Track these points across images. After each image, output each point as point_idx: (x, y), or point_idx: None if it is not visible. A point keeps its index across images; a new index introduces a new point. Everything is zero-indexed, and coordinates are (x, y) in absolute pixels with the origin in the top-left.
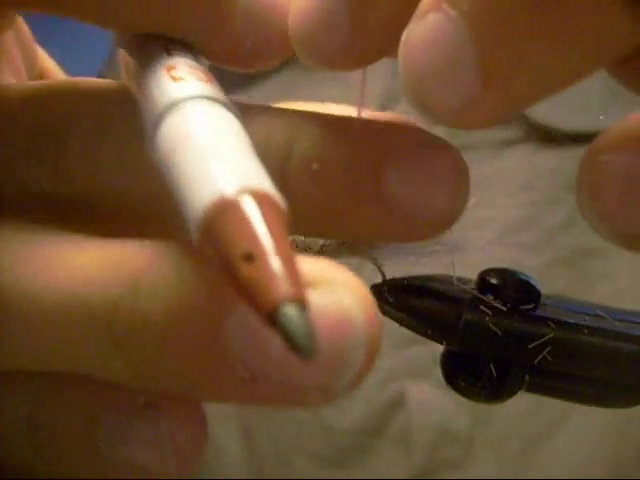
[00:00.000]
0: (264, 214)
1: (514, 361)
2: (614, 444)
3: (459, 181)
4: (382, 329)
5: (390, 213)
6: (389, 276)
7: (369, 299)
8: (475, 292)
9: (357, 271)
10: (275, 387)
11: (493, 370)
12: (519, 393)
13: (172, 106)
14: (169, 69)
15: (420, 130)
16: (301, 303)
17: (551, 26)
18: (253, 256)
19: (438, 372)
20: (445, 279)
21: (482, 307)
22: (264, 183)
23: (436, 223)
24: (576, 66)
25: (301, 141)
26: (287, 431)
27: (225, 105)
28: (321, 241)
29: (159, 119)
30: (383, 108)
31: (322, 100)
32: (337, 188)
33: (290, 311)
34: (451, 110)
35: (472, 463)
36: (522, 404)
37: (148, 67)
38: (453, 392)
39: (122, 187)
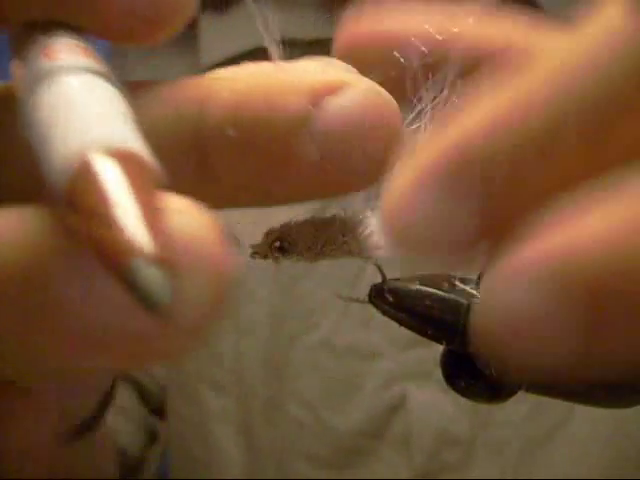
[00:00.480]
0: (123, 173)
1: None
2: (614, 447)
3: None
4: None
5: (318, 167)
6: (389, 276)
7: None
8: (475, 292)
9: (357, 271)
10: (118, 338)
11: (493, 370)
12: (519, 395)
13: (44, 77)
14: (45, 50)
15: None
16: (159, 261)
17: None
18: (106, 215)
19: (439, 374)
20: (445, 279)
21: None
22: (128, 143)
23: (367, 170)
24: None
25: (213, 107)
26: (287, 433)
27: (103, 76)
28: (321, 241)
29: (29, 91)
30: None
31: None
32: (257, 151)
33: (144, 269)
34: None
35: (472, 466)
36: (522, 408)
37: (26, 55)
38: (454, 395)
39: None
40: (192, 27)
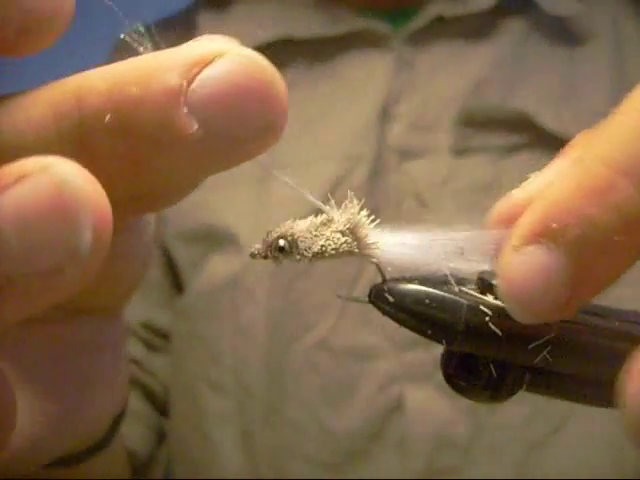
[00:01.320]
0: None
1: (514, 361)
2: (613, 450)
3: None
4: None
5: (202, 140)
6: (389, 276)
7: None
8: (475, 292)
9: (355, 273)
10: None
11: (493, 370)
12: (518, 399)
13: None
14: None
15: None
16: None
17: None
18: None
19: (438, 376)
20: (445, 279)
21: (482, 307)
22: None
23: (252, 135)
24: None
25: (89, 98)
26: (285, 434)
27: None
28: (321, 241)
29: None
30: (385, 109)
31: (321, 97)
32: (138, 133)
33: None
34: (544, 313)
35: (470, 469)
36: (520, 412)
37: None
38: (452, 397)
39: None
40: (191, 26)
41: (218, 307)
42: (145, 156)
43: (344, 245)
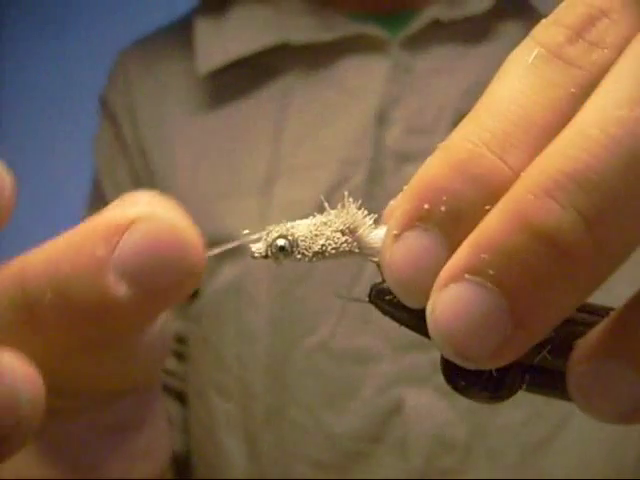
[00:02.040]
0: None
1: (514, 361)
2: (613, 452)
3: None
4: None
5: (133, 300)
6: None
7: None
8: None
9: (354, 276)
10: None
11: (493, 370)
12: (518, 401)
13: None
14: None
15: None
16: None
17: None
18: None
19: (437, 378)
20: None
21: None
22: None
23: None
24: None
25: (31, 279)
26: (288, 437)
27: None
28: (321, 241)
29: None
30: (382, 113)
31: (318, 102)
32: (77, 303)
33: None
34: (485, 355)
35: (469, 471)
36: (519, 414)
37: None
38: (452, 400)
39: None
40: (188, 32)
41: (222, 312)
42: (85, 324)
43: (344, 245)
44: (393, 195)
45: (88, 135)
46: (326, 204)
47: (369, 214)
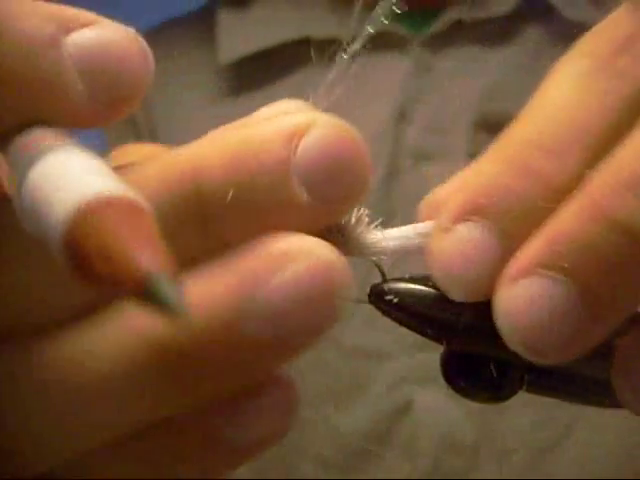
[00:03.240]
0: (118, 213)
1: (514, 360)
2: (619, 455)
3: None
4: None
5: (309, 206)
6: (389, 276)
7: None
8: None
9: (366, 273)
10: None
11: (493, 370)
12: (524, 404)
13: (27, 165)
14: (22, 145)
15: None
16: (168, 275)
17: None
18: (113, 249)
19: None
20: None
21: (481, 306)
22: (118, 191)
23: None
24: None
25: (207, 177)
26: (294, 435)
27: (81, 149)
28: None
29: (20, 182)
30: (402, 111)
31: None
32: (256, 206)
33: (160, 284)
34: (558, 349)
35: (477, 472)
36: (528, 417)
37: (11, 158)
38: (460, 400)
39: None
40: (211, 26)
41: None
42: (261, 227)
43: (344, 244)
44: (410, 193)
45: None
46: None
47: (384, 213)
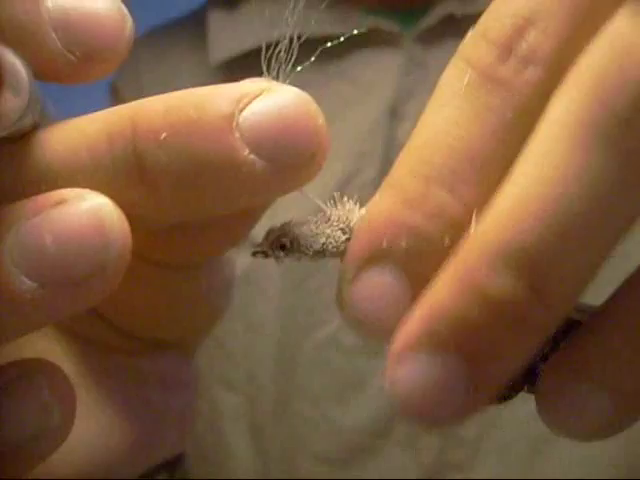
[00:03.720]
0: None
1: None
2: (621, 446)
3: None
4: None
5: (251, 166)
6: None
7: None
8: None
9: None
10: None
11: None
12: (525, 395)
13: None
14: None
15: None
16: None
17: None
18: None
19: None
20: None
21: None
22: None
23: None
24: None
25: (144, 120)
26: (295, 430)
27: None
28: (322, 239)
29: None
30: (395, 107)
31: (331, 95)
32: (192, 156)
33: None
34: (446, 418)
35: (478, 466)
36: (528, 408)
37: None
38: None
39: None
40: (201, 24)
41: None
42: (198, 180)
43: (344, 244)
44: None
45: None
46: (338, 202)
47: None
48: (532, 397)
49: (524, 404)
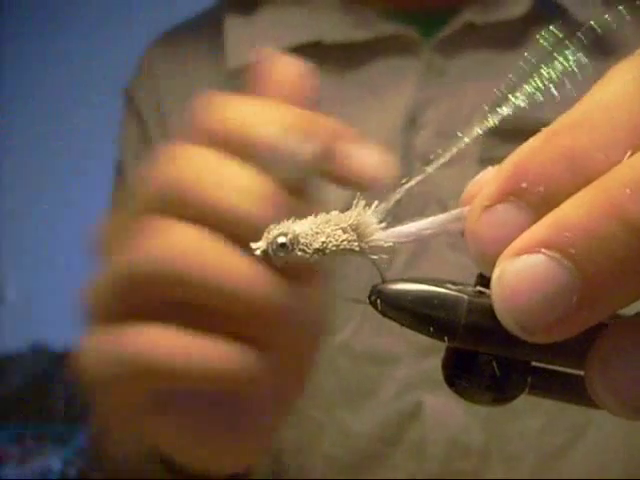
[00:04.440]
0: None
1: (516, 358)
2: (628, 461)
3: None
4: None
5: None
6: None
7: None
8: (476, 288)
9: (357, 271)
10: None
11: (496, 370)
12: (534, 408)
13: None
14: None
15: None
16: None
17: None
18: None
19: None
20: (445, 280)
21: (483, 303)
22: None
23: None
24: None
25: None
26: (306, 435)
27: None
28: (322, 238)
29: None
30: (413, 115)
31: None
32: None
33: None
34: (542, 328)
35: (485, 477)
36: (537, 421)
37: None
38: (470, 405)
39: None
40: (216, 28)
41: None
42: None
43: (345, 242)
44: (419, 197)
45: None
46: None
47: (393, 217)
48: (541, 411)
49: (533, 417)
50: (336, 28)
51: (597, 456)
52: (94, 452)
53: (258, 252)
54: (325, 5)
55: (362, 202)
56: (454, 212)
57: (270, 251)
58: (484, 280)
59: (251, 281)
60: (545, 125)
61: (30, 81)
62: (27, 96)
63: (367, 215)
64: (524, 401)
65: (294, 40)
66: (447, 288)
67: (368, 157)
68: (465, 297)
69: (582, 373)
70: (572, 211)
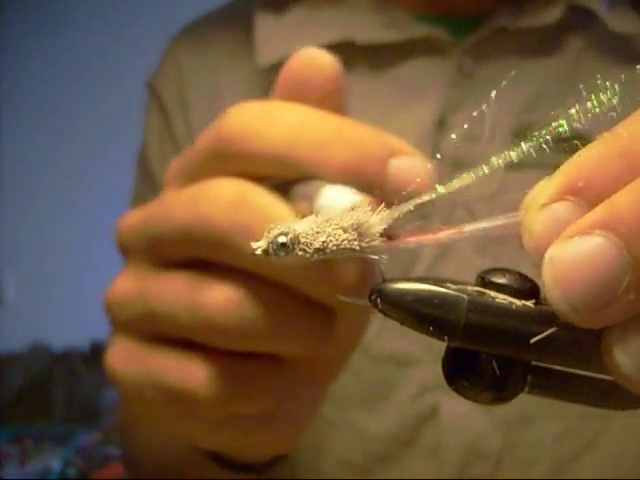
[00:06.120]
0: None
1: (516, 357)
2: None
3: None
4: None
5: None
6: (389, 276)
7: None
8: (476, 287)
9: (406, 272)
10: None
11: (496, 369)
12: (550, 416)
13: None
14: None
15: None
16: None
17: None
18: None
19: None
20: (445, 279)
21: (483, 302)
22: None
23: None
24: None
25: None
26: (321, 435)
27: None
28: (322, 238)
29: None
30: (442, 118)
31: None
32: None
33: None
34: (592, 309)
35: None
36: (553, 428)
37: None
38: (486, 409)
39: None
40: (243, 22)
41: None
42: None
43: (345, 242)
44: (446, 201)
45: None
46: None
47: (420, 220)
48: (557, 418)
49: (548, 424)
50: (368, 28)
51: (611, 464)
52: (122, 435)
53: (259, 251)
54: (357, 5)
55: (363, 202)
56: (511, 215)
57: (271, 250)
58: (484, 280)
59: None
60: (572, 132)
61: (32, 78)
62: (29, 90)
63: (368, 215)
64: (543, 407)
65: (325, 39)
66: (447, 287)
67: (415, 169)
68: (465, 297)
69: (582, 373)
70: (624, 196)
